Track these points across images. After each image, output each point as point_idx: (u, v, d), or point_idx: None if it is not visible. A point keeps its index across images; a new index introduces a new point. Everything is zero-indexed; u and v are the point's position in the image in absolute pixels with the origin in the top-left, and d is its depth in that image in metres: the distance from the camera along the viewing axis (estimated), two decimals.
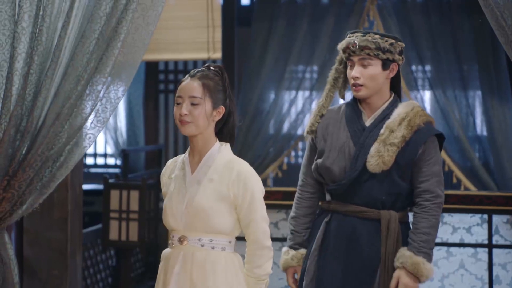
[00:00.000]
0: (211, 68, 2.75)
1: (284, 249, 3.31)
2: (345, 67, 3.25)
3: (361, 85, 3.13)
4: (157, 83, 7.72)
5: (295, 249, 3.29)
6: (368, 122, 3.18)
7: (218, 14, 6.32)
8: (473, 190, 5.83)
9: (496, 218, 4.78)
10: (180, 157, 2.83)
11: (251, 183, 2.70)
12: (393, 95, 3.22)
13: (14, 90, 3.14)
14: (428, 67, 6.09)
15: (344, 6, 6.14)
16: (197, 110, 2.67)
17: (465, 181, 5.91)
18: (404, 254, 3.06)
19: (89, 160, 8.29)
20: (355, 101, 3.24)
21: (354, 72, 3.13)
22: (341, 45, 3.20)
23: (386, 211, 3.11)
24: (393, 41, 3.13)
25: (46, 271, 4.31)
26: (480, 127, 6.09)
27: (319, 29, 6.07)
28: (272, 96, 6.29)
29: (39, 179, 3.21)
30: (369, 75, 3.12)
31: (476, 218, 4.80)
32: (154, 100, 7.69)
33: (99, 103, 3.21)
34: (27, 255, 4.29)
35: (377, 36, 3.11)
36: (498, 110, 5.96)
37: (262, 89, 6.27)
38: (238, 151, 6.15)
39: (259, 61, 6.22)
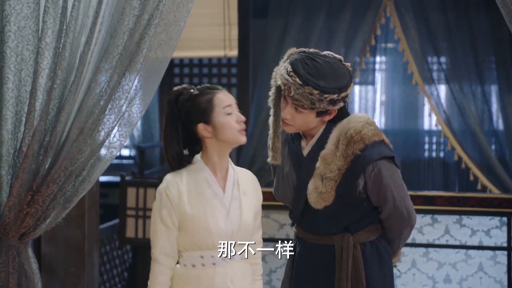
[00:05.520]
0: None
1: None
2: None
3: (291, 125, 2.85)
4: (172, 77, 7.69)
5: None
6: (305, 151, 2.90)
7: (235, 12, 6.30)
8: (490, 187, 5.82)
9: None
10: (191, 174, 2.74)
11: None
12: (326, 123, 2.87)
13: (37, 105, 3.14)
14: (444, 62, 6.07)
15: (361, 1, 6.10)
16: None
17: (482, 178, 5.89)
18: None
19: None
20: None
21: (285, 113, 2.82)
22: (280, 77, 2.80)
23: (339, 236, 2.85)
24: (334, 96, 2.73)
25: (64, 268, 4.34)
26: (496, 122, 6.07)
27: (335, 25, 6.04)
28: None
29: (63, 194, 3.21)
30: (301, 122, 2.82)
31: (495, 220, 4.80)
32: (169, 94, 7.64)
33: (121, 118, 3.21)
34: (45, 253, 4.32)
35: (316, 92, 2.70)
36: None
37: None
38: (254, 148, 6.13)
39: (275, 57, 6.19)
